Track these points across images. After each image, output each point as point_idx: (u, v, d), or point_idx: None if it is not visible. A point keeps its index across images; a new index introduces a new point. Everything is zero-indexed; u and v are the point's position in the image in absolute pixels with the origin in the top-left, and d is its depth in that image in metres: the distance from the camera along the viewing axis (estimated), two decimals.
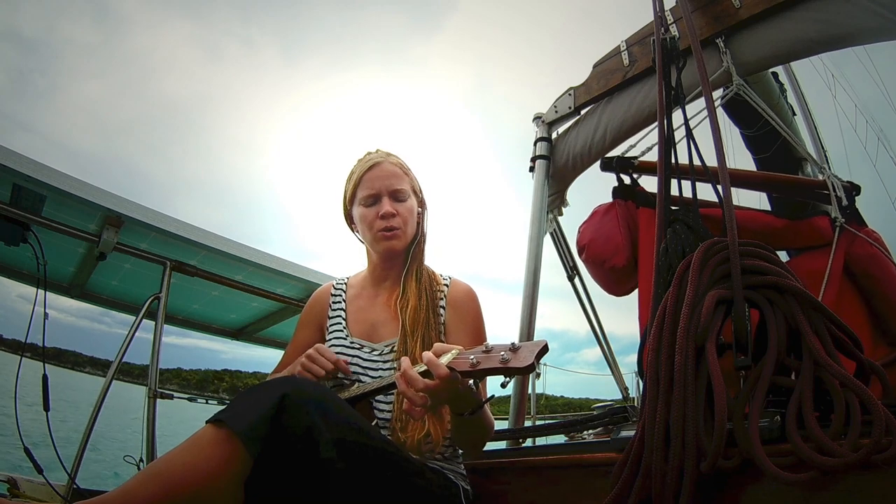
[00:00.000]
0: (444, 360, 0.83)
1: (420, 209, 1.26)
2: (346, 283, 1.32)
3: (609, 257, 1.60)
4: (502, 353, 0.79)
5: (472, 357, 0.81)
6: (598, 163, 1.80)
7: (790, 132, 1.77)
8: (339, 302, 1.27)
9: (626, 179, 1.72)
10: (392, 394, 1.09)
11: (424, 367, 0.84)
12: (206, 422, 0.75)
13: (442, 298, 1.19)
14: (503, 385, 0.79)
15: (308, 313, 1.30)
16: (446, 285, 1.22)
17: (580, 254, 1.72)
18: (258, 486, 0.73)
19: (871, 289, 1.49)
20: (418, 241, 1.24)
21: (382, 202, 1.17)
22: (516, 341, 0.80)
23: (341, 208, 1.29)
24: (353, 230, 1.28)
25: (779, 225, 1.57)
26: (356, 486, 0.80)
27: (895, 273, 1.51)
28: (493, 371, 0.79)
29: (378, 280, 1.26)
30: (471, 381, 0.88)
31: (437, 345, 0.88)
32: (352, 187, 1.22)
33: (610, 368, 2.43)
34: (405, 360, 0.86)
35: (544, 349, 0.78)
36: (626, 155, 1.74)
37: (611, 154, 1.83)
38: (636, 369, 1.40)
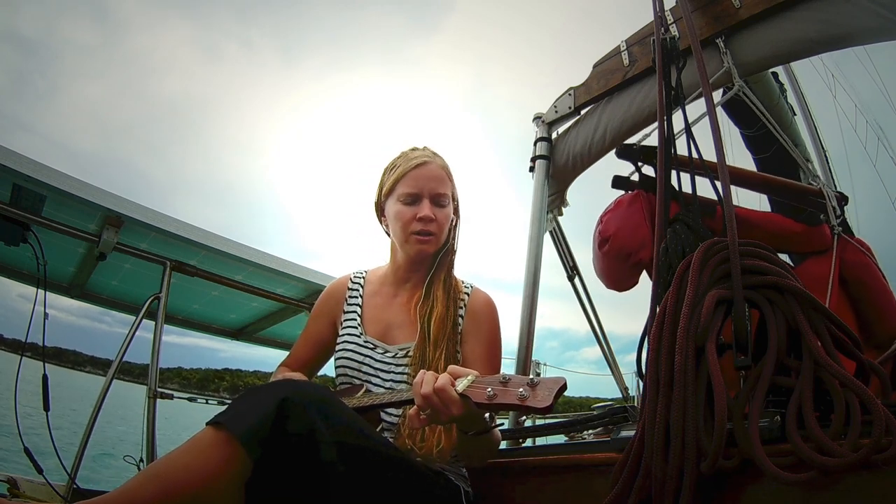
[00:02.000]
0: (460, 386, 0.79)
1: (454, 216, 1.22)
2: (363, 278, 1.28)
3: (635, 250, 1.50)
4: (521, 388, 0.75)
5: (489, 389, 0.78)
6: (608, 157, 1.76)
7: (786, 138, 1.78)
8: (356, 297, 1.24)
9: (647, 171, 1.64)
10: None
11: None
12: (207, 424, 0.74)
13: (462, 307, 1.17)
14: (519, 423, 0.78)
15: (322, 305, 1.27)
16: (467, 293, 1.20)
17: (601, 246, 1.59)
18: (259, 489, 0.72)
19: (860, 295, 1.55)
20: (448, 248, 1.21)
21: (423, 204, 1.14)
22: (534, 378, 0.77)
23: (374, 197, 1.25)
24: (381, 222, 1.25)
25: (797, 229, 1.60)
26: (357, 488, 0.79)
27: (883, 281, 1.57)
28: (510, 407, 0.76)
29: (400, 280, 1.23)
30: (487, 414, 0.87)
31: (452, 367, 0.84)
32: (392, 180, 1.17)
33: (610, 368, 2.43)
34: (425, 385, 0.80)
35: (563, 388, 0.75)
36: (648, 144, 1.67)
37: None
38: (636, 369, 1.40)
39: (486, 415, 0.88)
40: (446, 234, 1.19)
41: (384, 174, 1.22)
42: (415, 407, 0.81)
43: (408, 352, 1.13)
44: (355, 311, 1.22)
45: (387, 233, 1.24)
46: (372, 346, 1.16)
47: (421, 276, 1.21)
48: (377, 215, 1.25)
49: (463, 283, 1.23)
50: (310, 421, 0.75)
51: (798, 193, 1.69)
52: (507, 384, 0.77)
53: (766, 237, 1.56)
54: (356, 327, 1.19)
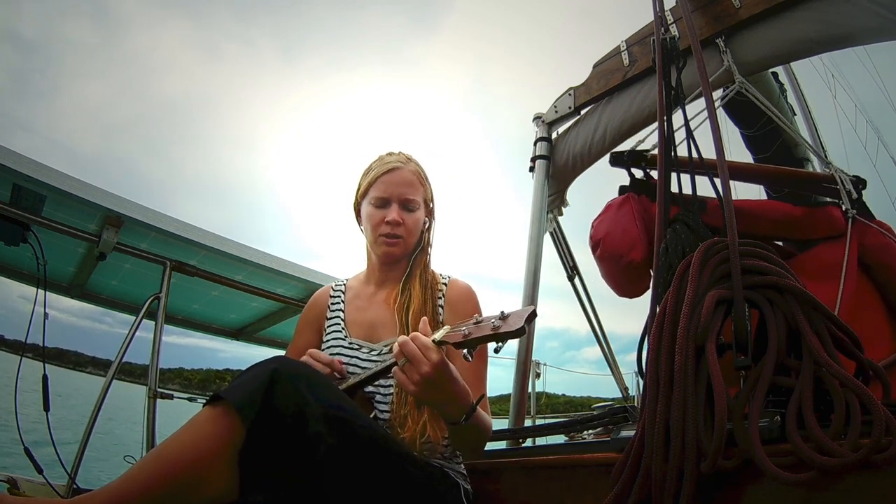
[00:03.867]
0: (437, 335, 0.85)
1: (427, 219, 1.26)
2: (344, 286, 1.32)
3: (626, 252, 1.53)
4: (493, 321, 0.81)
5: (464, 329, 0.83)
6: (608, 157, 1.75)
7: (792, 129, 1.77)
8: (338, 303, 1.27)
9: (637, 175, 1.67)
10: (391, 393, 1.09)
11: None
12: (204, 404, 0.78)
13: (441, 297, 1.20)
14: (496, 350, 0.82)
15: (306, 316, 1.30)
16: (445, 284, 1.23)
17: (594, 250, 1.63)
18: (252, 461, 0.74)
19: (886, 279, 1.48)
20: (421, 249, 1.25)
21: (391, 208, 1.18)
22: (505, 310, 0.82)
23: (352, 198, 1.29)
24: (358, 222, 1.29)
25: (797, 213, 1.56)
26: (348, 463, 0.81)
27: None
28: (486, 339, 0.81)
29: (378, 280, 1.26)
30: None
31: (419, 329, 0.90)
32: (366, 183, 1.22)
33: (610, 368, 2.43)
34: (402, 337, 0.87)
35: (533, 314, 0.80)
36: (637, 149, 1.69)
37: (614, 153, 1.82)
38: (636, 369, 1.40)
39: (469, 407, 0.91)
40: (417, 237, 1.23)
41: (361, 178, 1.26)
42: (396, 367, 0.86)
43: (391, 347, 1.14)
44: (338, 317, 1.25)
45: (362, 232, 1.28)
46: (357, 346, 1.17)
47: (398, 275, 1.24)
48: (355, 215, 1.29)
49: (441, 275, 1.25)
50: (298, 393, 0.77)
51: (809, 181, 1.67)
52: (480, 323, 0.83)
53: (766, 226, 1.55)
54: (340, 331, 1.21)
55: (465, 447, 1.06)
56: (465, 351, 0.84)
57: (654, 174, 1.63)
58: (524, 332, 0.78)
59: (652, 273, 1.52)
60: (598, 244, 1.59)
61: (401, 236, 1.18)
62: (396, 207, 1.18)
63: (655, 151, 1.64)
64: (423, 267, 1.23)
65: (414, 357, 0.83)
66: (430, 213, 1.27)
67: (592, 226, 1.65)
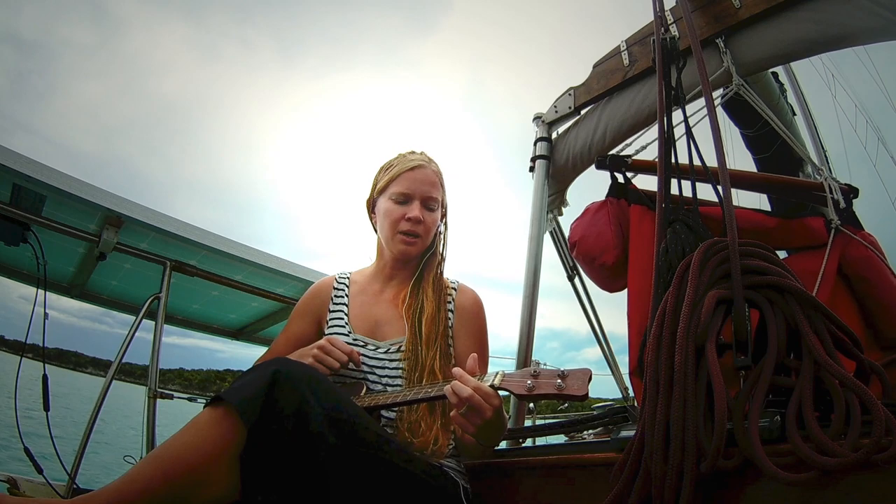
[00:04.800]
0: (496, 380, 0.87)
1: (441, 223, 1.27)
2: (348, 278, 1.31)
3: (599, 254, 1.60)
4: (556, 380, 0.84)
5: (527, 381, 0.86)
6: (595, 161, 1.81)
7: (789, 134, 1.77)
8: (342, 297, 1.26)
9: (621, 178, 1.71)
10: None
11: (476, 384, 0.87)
12: (204, 405, 0.78)
13: (450, 303, 1.20)
14: (559, 410, 0.86)
15: (306, 305, 1.29)
16: (454, 289, 1.23)
17: (571, 250, 1.73)
18: (254, 462, 0.74)
19: (865, 292, 1.49)
20: (433, 251, 1.25)
21: (413, 205, 1.18)
22: (563, 369, 0.86)
23: (367, 194, 1.29)
24: (371, 219, 1.29)
25: (770, 224, 1.57)
26: (350, 463, 0.81)
27: (889, 277, 1.50)
28: (550, 396, 0.84)
29: (386, 277, 1.26)
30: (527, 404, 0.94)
31: (467, 367, 0.91)
32: (387, 179, 1.21)
33: (610, 368, 2.43)
34: (462, 375, 0.87)
35: (590, 378, 0.84)
36: (622, 154, 1.73)
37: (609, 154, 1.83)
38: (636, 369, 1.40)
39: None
40: (431, 238, 1.23)
41: (379, 172, 1.26)
42: (454, 412, 0.87)
43: (399, 346, 1.14)
44: (342, 311, 1.23)
45: (375, 230, 1.28)
46: (362, 343, 1.17)
47: (407, 274, 1.24)
48: (368, 211, 1.29)
49: (448, 280, 1.26)
50: (300, 393, 0.78)
51: (800, 189, 1.68)
52: (538, 377, 0.86)
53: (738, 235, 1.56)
54: (344, 326, 1.20)
55: (476, 456, 1.08)
56: (531, 405, 0.90)
57: (637, 179, 1.68)
58: (588, 397, 0.82)
59: (626, 273, 1.54)
60: (574, 246, 1.68)
61: (419, 235, 1.18)
62: (418, 205, 1.18)
63: (637, 156, 1.69)
64: (437, 274, 1.23)
65: (480, 406, 0.85)
66: (444, 218, 1.28)
67: (570, 228, 1.73)
